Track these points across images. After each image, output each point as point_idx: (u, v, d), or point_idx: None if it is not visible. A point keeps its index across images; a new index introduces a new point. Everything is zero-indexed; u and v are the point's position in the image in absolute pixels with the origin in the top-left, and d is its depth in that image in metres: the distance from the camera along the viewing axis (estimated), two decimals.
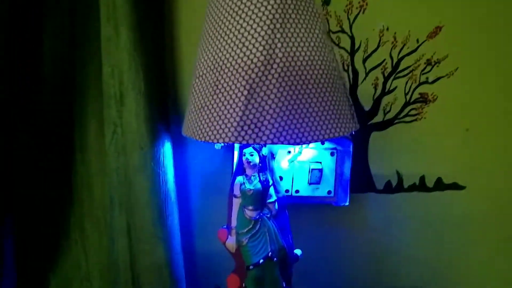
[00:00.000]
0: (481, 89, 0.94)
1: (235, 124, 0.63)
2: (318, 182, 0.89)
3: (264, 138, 0.62)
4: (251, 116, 0.63)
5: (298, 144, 0.64)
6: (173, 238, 0.86)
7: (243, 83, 0.63)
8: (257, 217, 0.71)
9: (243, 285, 0.73)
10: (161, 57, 0.82)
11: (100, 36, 0.75)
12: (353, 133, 0.70)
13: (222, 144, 0.82)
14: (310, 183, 0.89)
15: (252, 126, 0.63)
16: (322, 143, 0.89)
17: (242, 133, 0.63)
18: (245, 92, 0.63)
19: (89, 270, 0.88)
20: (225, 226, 0.76)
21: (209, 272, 0.96)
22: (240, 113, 0.63)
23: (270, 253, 0.71)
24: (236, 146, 0.86)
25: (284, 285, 0.73)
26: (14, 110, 0.78)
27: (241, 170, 0.74)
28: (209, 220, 0.94)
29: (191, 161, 0.93)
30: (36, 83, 0.80)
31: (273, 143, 0.63)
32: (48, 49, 0.78)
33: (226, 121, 0.63)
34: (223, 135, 0.63)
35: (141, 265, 0.86)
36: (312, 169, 0.88)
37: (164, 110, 0.83)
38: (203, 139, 0.65)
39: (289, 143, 0.63)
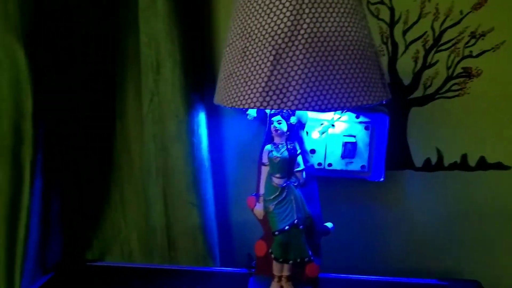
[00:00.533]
0: None
1: (260, 89, 0.64)
2: (351, 156, 0.89)
3: (289, 103, 0.63)
4: (276, 82, 0.63)
5: (323, 111, 0.63)
6: (207, 205, 0.89)
7: (270, 49, 0.63)
8: (283, 185, 0.72)
9: (270, 251, 0.74)
10: (197, 27, 0.84)
11: (138, 4, 0.78)
12: (384, 102, 0.69)
13: (255, 115, 0.83)
14: (343, 157, 0.89)
15: (277, 91, 0.63)
16: (357, 117, 0.88)
17: (267, 98, 0.63)
18: (271, 58, 0.63)
19: (129, 234, 0.93)
20: (254, 194, 0.77)
21: (243, 240, 0.98)
22: (265, 79, 0.63)
23: (296, 221, 0.71)
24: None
25: (311, 254, 0.73)
26: (58, 75, 0.83)
27: (269, 138, 0.75)
28: (243, 189, 0.96)
29: (226, 132, 0.95)
30: (79, 48, 0.85)
31: (297, 109, 0.63)
32: (88, 17, 0.82)
33: (252, 86, 0.64)
34: (249, 101, 0.64)
35: (177, 230, 0.89)
36: (345, 143, 0.88)
37: (200, 80, 0.86)
38: (230, 105, 0.67)
39: (314, 110, 0.63)
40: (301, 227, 0.72)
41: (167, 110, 0.82)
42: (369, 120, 0.88)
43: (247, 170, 0.95)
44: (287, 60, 0.63)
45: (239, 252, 0.99)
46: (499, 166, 0.95)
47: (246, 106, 0.65)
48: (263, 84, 0.64)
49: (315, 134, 0.85)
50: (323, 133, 0.84)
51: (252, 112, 0.84)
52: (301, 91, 0.63)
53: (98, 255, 0.96)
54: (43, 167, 0.82)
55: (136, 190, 0.91)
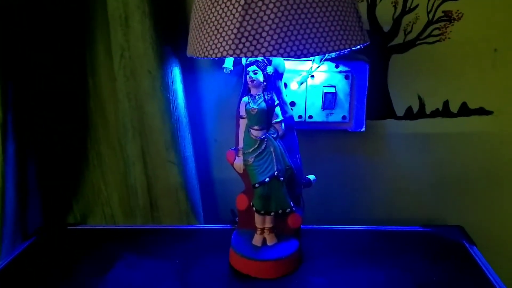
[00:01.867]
0: (511, 5, 0.87)
1: (232, 36, 0.61)
2: (332, 107, 0.87)
3: (263, 50, 0.60)
4: (248, 28, 0.60)
5: (299, 57, 0.61)
6: (187, 162, 0.87)
7: None
8: (262, 137, 0.70)
9: (251, 204, 0.73)
10: None
11: None
12: (362, 47, 0.66)
13: (231, 68, 0.81)
14: (324, 108, 0.87)
15: (250, 38, 0.61)
16: (336, 66, 0.86)
17: (240, 45, 0.61)
18: (242, 2, 0.60)
19: (109, 195, 0.92)
20: (233, 148, 0.75)
21: (225, 196, 0.98)
22: (237, 25, 0.61)
23: (276, 172, 0.70)
24: None
25: (292, 205, 0.73)
26: (25, 32, 0.80)
27: (246, 90, 0.73)
28: (223, 144, 0.95)
29: (203, 87, 0.92)
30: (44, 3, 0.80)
31: (272, 55, 0.61)
32: None
33: (223, 34, 0.61)
34: (221, 49, 0.62)
35: (158, 189, 0.88)
36: (325, 93, 0.86)
37: (172, 32, 0.82)
38: (202, 55, 0.64)
39: (289, 56, 0.61)
40: (281, 178, 0.71)
41: (139, 65, 0.79)
42: (349, 69, 0.86)
43: (226, 125, 0.93)
44: (259, 4, 0.60)
45: (222, 209, 0.98)
46: (481, 111, 0.94)
47: (219, 55, 0.62)
48: (235, 31, 0.61)
49: (293, 85, 0.83)
50: (301, 83, 0.82)
51: (229, 65, 0.81)
52: (275, 36, 0.60)
53: (80, 218, 0.95)
54: (15, 129, 0.80)
55: (114, 150, 0.89)
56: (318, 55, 0.63)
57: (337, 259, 0.77)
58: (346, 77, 0.86)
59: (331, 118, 0.88)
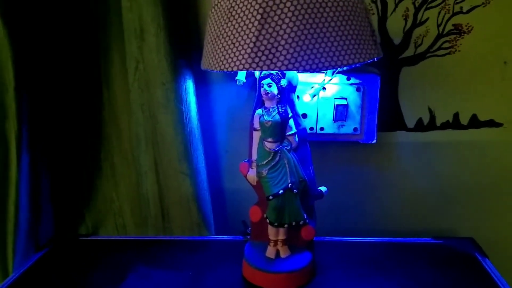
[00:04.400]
0: None
1: (248, 50, 0.62)
2: (343, 119, 0.88)
3: (279, 64, 0.61)
4: (265, 42, 0.61)
5: (314, 71, 0.62)
6: (199, 174, 0.88)
7: (256, 7, 0.61)
8: (276, 149, 0.71)
9: (265, 216, 0.73)
10: None
11: None
12: (376, 60, 0.67)
13: (244, 80, 0.82)
14: (335, 120, 0.88)
15: (266, 52, 0.61)
16: (348, 79, 0.87)
17: (256, 59, 0.61)
18: (259, 17, 0.61)
19: (121, 205, 0.92)
20: (246, 160, 0.76)
21: (237, 207, 0.98)
22: (253, 39, 0.61)
23: (290, 184, 0.70)
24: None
25: (306, 217, 0.73)
26: (40, 45, 0.81)
27: (260, 103, 0.73)
28: (235, 156, 0.95)
29: (215, 99, 0.93)
30: (60, 16, 0.82)
31: (288, 69, 0.61)
32: None
33: (240, 48, 0.62)
34: (237, 63, 0.62)
35: (169, 200, 0.88)
36: (337, 105, 0.86)
37: (186, 45, 0.83)
38: (218, 69, 0.65)
39: (304, 70, 0.61)
40: (295, 190, 0.71)
41: (153, 77, 0.80)
42: (360, 81, 0.87)
43: (238, 137, 0.94)
44: (275, 18, 0.61)
45: (233, 220, 0.98)
46: (491, 123, 0.94)
47: (235, 69, 0.63)
48: (251, 45, 0.62)
49: (306, 97, 0.83)
50: (314, 96, 0.82)
51: (241, 77, 0.82)
52: (291, 50, 0.61)
53: (92, 229, 0.95)
54: (29, 141, 0.80)
55: (127, 161, 0.89)
56: (332, 68, 0.63)
57: (349, 272, 0.77)
58: (358, 89, 0.87)
59: (343, 130, 0.88)
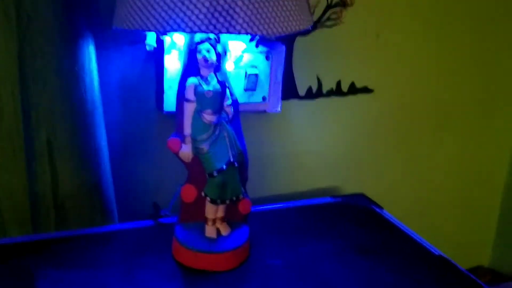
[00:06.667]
0: None
1: (204, 10, 0.55)
2: (254, 88, 0.86)
3: (238, 27, 0.56)
4: (222, 1, 0.55)
5: (268, 35, 0.59)
6: (102, 155, 0.76)
7: None
8: (216, 122, 0.66)
9: (203, 193, 0.68)
10: None
11: None
12: (311, 28, 0.68)
13: (155, 45, 0.73)
14: (246, 89, 0.86)
15: (224, 13, 0.56)
16: (256, 46, 0.85)
17: (213, 20, 0.55)
18: None
19: (0, 201, 0.73)
20: (175, 135, 0.68)
21: (144, 189, 0.88)
22: None
23: (232, 158, 0.67)
24: (176, 44, 0.77)
25: (243, 191, 0.70)
26: None
27: (191, 71, 0.66)
28: (136, 135, 0.85)
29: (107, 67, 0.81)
30: None
31: (246, 33, 0.57)
32: None
33: (192, 6, 0.55)
34: (190, 23, 0.55)
35: (66, 188, 0.74)
36: (249, 74, 0.84)
37: None
38: (161, 29, 0.56)
39: (261, 33, 0.58)
40: (236, 164, 0.67)
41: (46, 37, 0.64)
42: (268, 49, 0.86)
43: (136, 111, 0.84)
44: None
45: (141, 205, 0.88)
46: (365, 90, 1.05)
47: (188, 30, 0.55)
48: (207, 4, 0.55)
49: (229, 66, 0.79)
50: (236, 63, 0.78)
51: (152, 42, 0.73)
52: (248, 12, 0.57)
53: None
54: None
55: (10, 142, 0.70)
56: (284, 34, 0.61)
57: (279, 239, 0.78)
58: (267, 58, 0.86)
59: (252, 99, 0.87)
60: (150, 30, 0.57)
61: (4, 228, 0.76)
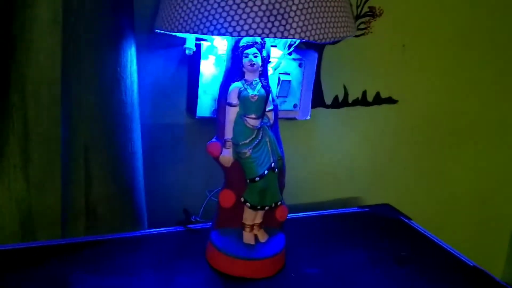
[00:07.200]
0: (421, 5, 1.00)
1: (260, 13, 0.55)
2: (286, 95, 0.86)
3: (292, 32, 0.56)
4: (277, 6, 0.55)
5: (320, 41, 0.59)
6: (137, 160, 0.75)
7: None
8: (259, 126, 0.65)
9: (242, 199, 0.67)
10: None
11: None
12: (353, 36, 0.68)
13: (194, 49, 0.73)
14: (278, 96, 0.85)
15: (279, 17, 0.56)
16: (290, 54, 0.85)
17: (269, 24, 0.55)
18: None
19: (32, 204, 0.72)
20: (215, 140, 0.68)
21: (173, 194, 0.87)
22: (266, 1, 0.55)
23: (273, 164, 0.66)
24: (214, 49, 0.77)
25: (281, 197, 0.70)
26: None
27: (235, 75, 0.66)
28: (166, 139, 0.84)
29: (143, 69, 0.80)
30: None
31: (300, 38, 0.57)
32: None
33: (247, 10, 0.55)
34: (246, 27, 0.55)
35: (100, 192, 0.73)
36: (282, 81, 0.84)
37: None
38: (216, 34, 0.56)
39: (314, 39, 0.58)
40: (276, 170, 0.67)
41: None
42: (301, 57, 0.86)
43: (169, 117, 0.84)
44: None
45: (171, 209, 0.87)
46: (389, 100, 1.05)
47: (243, 34, 0.55)
48: (263, 8, 0.55)
49: (269, 71, 0.78)
50: (275, 69, 0.78)
51: (191, 45, 0.73)
52: (302, 17, 0.57)
53: None
54: None
55: (47, 145, 0.69)
56: (333, 40, 0.61)
57: (312, 247, 0.77)
58: (300, 65, 0.86)
59: (284, 106, 0.87)
60: (204, 34, 0.57)
61: (34, 231, 0.74)
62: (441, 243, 0.82)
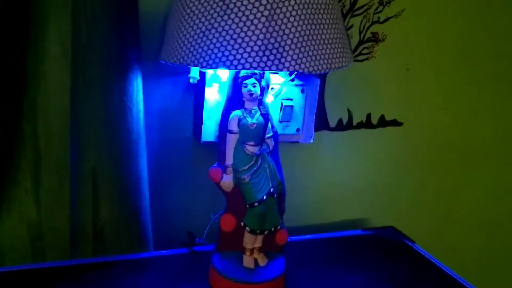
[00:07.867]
0: (423, 30, 1.01)
1: (256, 48, 0.57)
2: (288, 120, 0.88)
3: (287, 64, 0.58)
4: (272, 40, 0.58)
5: (314, 72, 0.61)
6: (143, 184, 0.78)
7: (264, 2, 0.57)
8: (258, 153, 0.67)
9: (242, 223, 0.69)
10: None
11: None
12: (350, 65, 0.70)
13: (198, 78, 0.76)
14: (281, 121, 0.87)
15: (274, 51, 0.58)
16: (292, 80, 0.87)
17: (264, 58, 0.58)
18: (266, 13, 0.57)
19: (42, 227, 0.75)
20: (217, 166, 0.70)
21: (178, 217, 0.90)
22: (261, 36, 0.57)
23: (271, 189, 0.68)
24: (218, 77, 0.79)
25: (281, 221, 0.71)
26: None
27: (235, 104, 0.68)
28: (172, 163, 0.87)
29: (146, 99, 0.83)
30: None
31: (294, 70, 0.59)
32: None
33: (244, 44, 0.57)
34: (242, 61, 0.57)
35: (107, 215, 0.76)
36: (284, 106, 0.86)
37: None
38: (215, 67, 0.58)
39: (308, 71, 0.60)
40: (275, 195, 0.69)
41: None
42: (303, 82, 0.88)
43: (175, 143, 0.87)
44: (281, 16, 0.58)
45: (177, 233, 0.89)
46: (394, 122, 1.06)
47: (239, 67, 0.58)
48: (259, 42, 0.58)
49: (269, 98, 0.81)
50: (276, 96, 0.80)
51: (195, 74, 0.76)
52: (296, 50, 0.59)
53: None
54: None
55: (57, 169, 0.72)
56: (328, 71, 0.63)
57: (313, 269, 0.78)
58: (302, 91, 0.88)
59: (287, 131, 0.89)
60: (203, 67, 0.60)
61: (44, 253, 0.77)
62: (444, 268, 0.82)
